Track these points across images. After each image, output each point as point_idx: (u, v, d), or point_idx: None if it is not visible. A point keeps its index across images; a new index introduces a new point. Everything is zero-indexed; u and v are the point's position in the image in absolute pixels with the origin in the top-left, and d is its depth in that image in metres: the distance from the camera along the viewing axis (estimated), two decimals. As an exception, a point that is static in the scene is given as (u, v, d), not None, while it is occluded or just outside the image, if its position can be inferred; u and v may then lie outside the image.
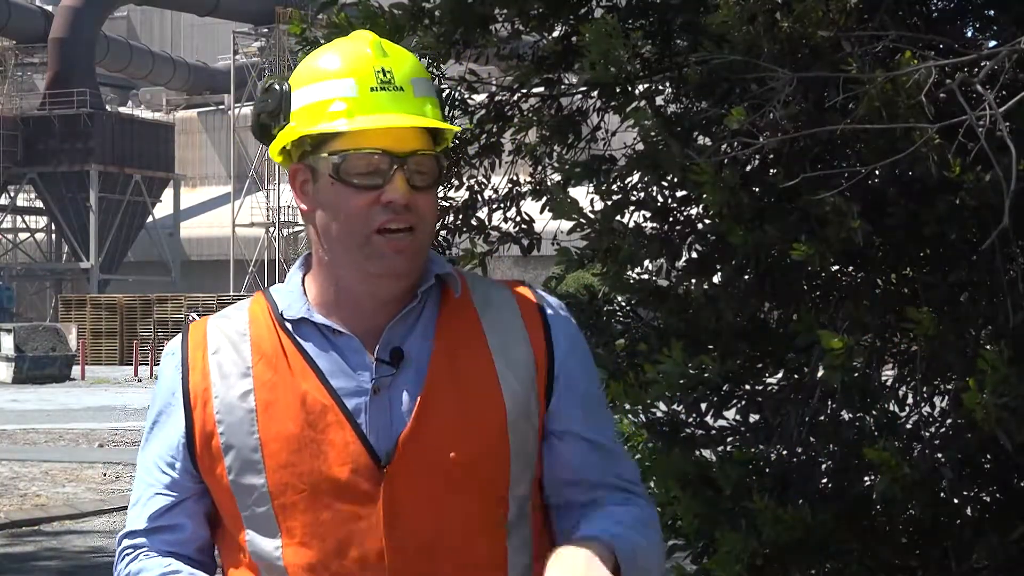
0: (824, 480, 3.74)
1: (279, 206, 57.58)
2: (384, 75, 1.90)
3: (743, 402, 3.86)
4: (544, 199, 4.37)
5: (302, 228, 61.06)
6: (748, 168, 3.65)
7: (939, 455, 3.58)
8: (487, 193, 4.74)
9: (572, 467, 1.99)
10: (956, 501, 3.71)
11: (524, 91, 4.53)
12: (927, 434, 3.70)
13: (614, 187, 4.08)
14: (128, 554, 2.00)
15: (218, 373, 1.94)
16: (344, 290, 1.94)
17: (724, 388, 3.78)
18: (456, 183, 4.66)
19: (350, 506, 1.88)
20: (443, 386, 1.92)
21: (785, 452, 3.73)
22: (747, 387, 3.85)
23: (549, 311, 2.01)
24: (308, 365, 1.91)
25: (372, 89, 1.89)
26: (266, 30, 58.44)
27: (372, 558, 1.88)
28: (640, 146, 3.92)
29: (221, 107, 65.58)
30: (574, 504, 1.99)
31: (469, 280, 2.03)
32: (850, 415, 3.70)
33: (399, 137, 1.89)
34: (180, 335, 2.01)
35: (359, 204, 1.89)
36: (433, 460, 1.89)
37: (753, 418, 3.87)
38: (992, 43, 3.80)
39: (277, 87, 1.96)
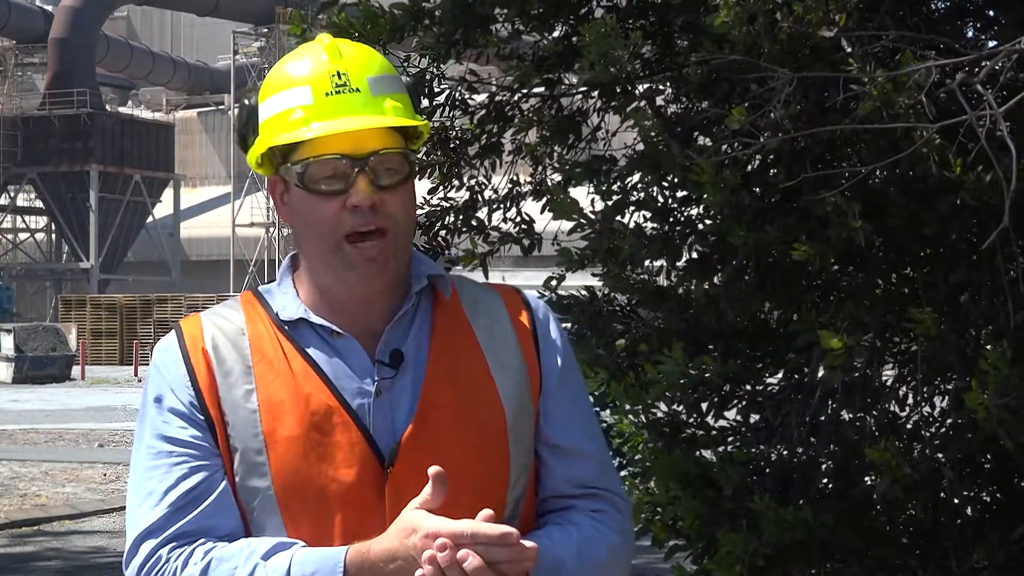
0: (825, 480, 3.75)
1: (279, 206, 57.40)
2: (339, 78, 1.89)
3: (744, 402, 3.86)
4: (544, 199, 4.38)
5: (302, 228, 60.85)
6: (749, 168, 3.65)
7: (939, 455, 3.58)
8: (487, 193, 4.74)
9: (551, 475, 1.99)
10: (956, 501, 3.71)
11: (524, 91, 4.53)
12: (927, 434, 3.70)
13: (614, 187, 4.08)
14: (170, 557, 1.84)
15: (220, 370, 1.91)
16: (328, 294, 1.94)
17: (725, 388, 3.78)
18: (456, 183, 4.66)
19: (357, 507, 1.87)
20: (442, 387, 1.92)
21: (786, 452, 3.73)
22: (748, 387, 3.85)
23: (537, 315, 2.02)
24: (310, 367, 1.90)
25: (327, 94, 1.88)
26: (266, 30, 58.36)
27: None
28: (640, 146, 3.93)
29: (221, 107, 65.54)
30: (547, 508, 1.99)
31: (457, 283, 2.02)
32: (850, 415, 3.70)
33: (357, 139, 1.88)
34: (172, 332, 1.96)
35: (327, 211, 1.88)
36: (434, 460, 1.87)
37: (754, 418, 3.87)
38: (992, 43, 3.80)
39: (247, 101, 1.98)
